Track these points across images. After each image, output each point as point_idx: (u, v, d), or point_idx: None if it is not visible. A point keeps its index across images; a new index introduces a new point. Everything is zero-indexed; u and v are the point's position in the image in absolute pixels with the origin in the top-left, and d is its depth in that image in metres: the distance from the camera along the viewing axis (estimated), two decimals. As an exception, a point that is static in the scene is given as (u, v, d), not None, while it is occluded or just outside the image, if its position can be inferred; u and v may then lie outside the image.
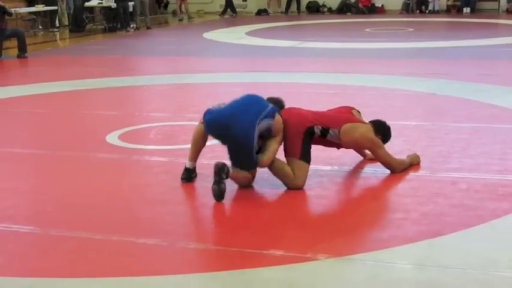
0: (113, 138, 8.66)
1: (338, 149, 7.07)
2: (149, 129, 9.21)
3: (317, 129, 6.72)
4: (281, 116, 6.73)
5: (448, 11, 31.01)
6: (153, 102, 11.65)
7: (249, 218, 5.86)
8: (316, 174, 6.94)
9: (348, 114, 7.04)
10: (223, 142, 6.67)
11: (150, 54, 18.69)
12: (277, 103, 7.05)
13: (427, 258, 5.02)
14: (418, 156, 7.20)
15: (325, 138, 6.77)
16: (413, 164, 7.07)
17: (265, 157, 6.52)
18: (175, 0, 31.63)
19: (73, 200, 6.48)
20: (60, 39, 23.49)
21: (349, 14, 31.27)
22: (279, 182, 6.62)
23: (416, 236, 5.28)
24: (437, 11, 30.88)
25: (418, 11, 31.01)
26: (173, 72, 14.68)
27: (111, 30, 24.52)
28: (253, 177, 6.65)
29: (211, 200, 6.33)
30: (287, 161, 6.66)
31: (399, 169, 6.91)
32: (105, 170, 7.48)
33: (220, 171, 6.21)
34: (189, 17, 30.25)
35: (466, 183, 6.39)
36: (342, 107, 7.33)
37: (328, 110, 7.28)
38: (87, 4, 25.53)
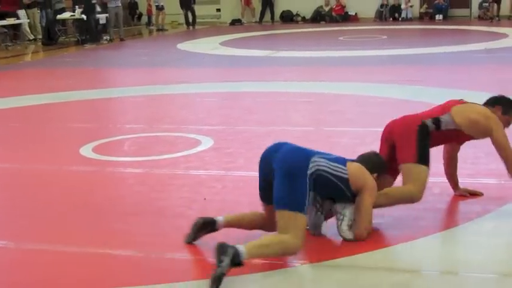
0: (86, 150, 8.66)
1: (458, 143, 6.21)
2: (123, 141, 9.22)
3: (429, 123, 5.77)
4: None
5: (421, 18, 31.19)
6: (127, 114, 11.67)
7: (229, 231, 5.85)
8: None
9: (456, 101, 6.09)
10: (268, 176, 5.39)
11: (124, 65, 18.68)
12: (375, 166, 5.65)
13: (400, 262, 5.08)
14: None
15: (440, 129, 5.79)
16: None
17: (360, 227, 5.33)
18: (154, 12, 31.58)
19: (47, 213, 6.47)
20: (32, 53, 23.41)
21: (322, 22, 31.38)
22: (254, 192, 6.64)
23: (391, 240, 5.33)
24: (410, 18, 31.06)
25: (391, 19, 31.18)
26: (147, 83, 14.68)
27: (84, 42, 24.47)
28: (297, 234, 5.02)
29: (186, 210, 6.36)
30: (401, 169, 5.75)
31: None
32: (79, 182, 7.48)
33: (220, 254, 4.78)
34: (163, 29, 30.21)
35: (439, 187, 6.44)
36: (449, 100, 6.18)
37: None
38: (59, 17, 25.47)
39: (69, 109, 12.05)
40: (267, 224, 5.42)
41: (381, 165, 5.66)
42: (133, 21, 33.81)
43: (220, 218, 5.50)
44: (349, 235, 5.31)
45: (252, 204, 6.39)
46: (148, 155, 8.36)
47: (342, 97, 11.97)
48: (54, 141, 9.51)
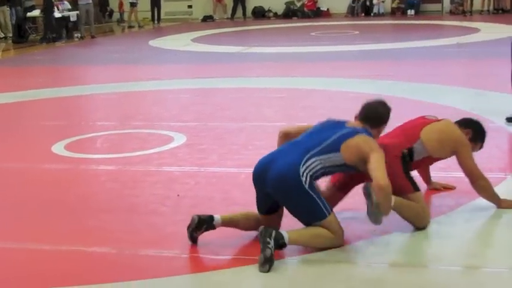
0: (58, 148, 8.63)
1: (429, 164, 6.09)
2: (95, 139, 9.20)
3: (406, 155, 5.60)
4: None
5: (393, 13, 31.30)
6: (99, 111, 11.63)
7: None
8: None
9: (424, 122, 5.90)
10: (264, 195, 5.44)
11: (95, 63, 18.61)
12: (371, 119, 5.61)
13: (375, 256, 5.11)
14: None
15: (413, 160, 5.65)
16: (502, 206, 5.86)
17: (380, 175, 5.15)
18: (127, 9, 31.40)
19: (20, 211, 6.46)
20: (3, 51, 23.25)
21: (294, 18, 31.40)
22: (227, 188, 6.67)
23: (365, 235, 5.36)
24: (382, 13, 31.16)
25: (363, 14, 31.25)
26: (119, 80, 14.62)
27: (54, 40, 24.32)
28: (335, 233, 5.19)
29: (159, 207, 6.36)
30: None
31: (481, 187, 5.79)
32: (52, 180, 7.45)
33: (264, 236, 4.99)
34: (139, 25, 30.05)
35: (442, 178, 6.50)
36: (415, 119, 6.02)
37: (400, 126, 6.08)
38: (29, 14, 25.32)
39: (40, 107, 11.99)
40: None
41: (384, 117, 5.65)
42: (105, 19, 33.64)
43: (217, 217, 5.45)
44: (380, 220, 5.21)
45: (225, 200, 6.45)
46: (121, 152, 8.35)
47: (314, 92, 12.01)
48: (26, 140, 9.46)
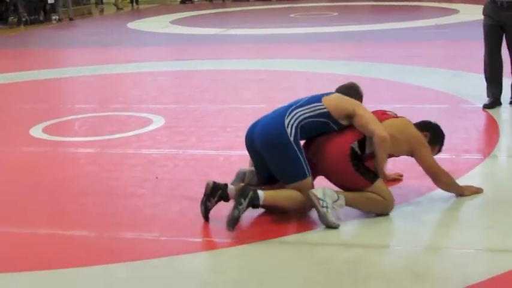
0: (37, 131, 8.59)
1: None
2: (74, 121, 9.16)
3: (356, 148, 5.40)
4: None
5: (372, -6, 31.28)
6: (78, 94, 11.58)
7: (182, 209, 5.85)
8: (242, 159, 7.02)
9: (384, 114, 5.79)
10: (258, 157, 5.53)
11: (73, 45, 18.49)
12: (350, 92, 5.76)
13: (353, 237, 5.15)
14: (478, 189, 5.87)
15: (364, 153, 5.43)
16: (464, 194, 5.76)
17: (377, 128, 5.32)
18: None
19: (-2, 194, 6.44)
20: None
21: (273, 0, 31.33)
22: (206, 170, 6.66)
23: (344, 217, 5.36)
24: (361, -6, 31.12)
25: (342, -5, 31.20)
26: (98, 63, 14.55)
27: (32, 22, 24.16)
28: (306, 197, 5.28)
29: (138, 190, 6.36)
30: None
31: (444, 182, 5.70)
32: (30, 163, 7.42)
33: (240, 196, 5.21)
34: (119, 7, 29.86)
35: (390, 163, 6.49)
36: (375, 112, 5.78)
37: None
38: (7, -4, 25.14)
39: (18, 90, 11.90)
40: None
41: (359, 93, 5.89)
42: (83, 1, 33.42)
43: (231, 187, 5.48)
44: (335, 220, 5.22)
45: (204, 182, 6.40)
46: (100, 135, 8.32)
47: (293, 74, 12.00)
48: (3, 123, 9.39)
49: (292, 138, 5.29)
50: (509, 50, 8.53)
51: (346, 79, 11.03)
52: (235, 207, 5.16)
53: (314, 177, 5.48)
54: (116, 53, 16.19)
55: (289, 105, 5.48)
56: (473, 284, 4.30)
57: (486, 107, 8.61)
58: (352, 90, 5.85)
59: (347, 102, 5.47)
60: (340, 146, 5.38)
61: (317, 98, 5.49)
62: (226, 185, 5.44)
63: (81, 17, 26.93)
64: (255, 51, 15.40)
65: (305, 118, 5.37)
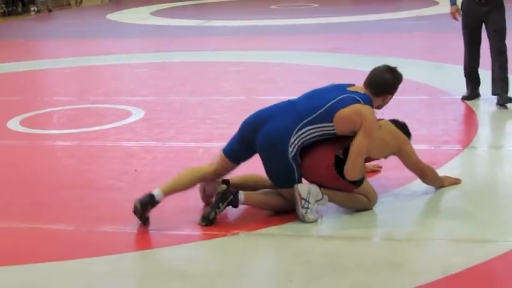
0: (14, 124, 8.54)
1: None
2: (52, 114, 9.11)
3: (341, 155, 5.34)
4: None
5: (353, -15, 31.29)
6: (56, 86, 11.53)
7: (162, 202, 5.81)
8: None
9: None
10: (246, 145, 5.49)
11: (52, 37, 18.40)
12: (374, 85, 5.51)
13: (332, 229, 5.15)
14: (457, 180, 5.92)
15: None
16: (443, 185, 5.80)
17: (346, 168, 5.24)
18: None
19: (-25, 188, 6.40)
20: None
21: (254, -9, 31.30)
22: (185, 162, 6.64)
23: (323, 210, 5.36)
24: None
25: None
26: (77, 54, 14.49)
27: (10, 14, 24.02)
28: (288, 200, 5.33)
29: (117, 182, 6.33)
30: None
31: (430, 178, 5.74)
32: (7, 156, 7.38)
33: (219, 199, 5.25)
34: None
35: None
36: None
37: None
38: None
39: (-5, 82, 11.85)
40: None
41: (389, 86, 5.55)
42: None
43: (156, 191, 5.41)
44: (313, 219, 5.23)
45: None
46: (78, 127, 8.27)
47: (273, 66, 11.99)
48: (-20, 115, 9.35)
49: (291, 156, 5.26)
50: (490, 44, 8.47)
51: (327, 70, 11.11)
52: (213, 209, 5.20)
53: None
54: (95, 45, 16.13)
55: (300, 117, 5.29)
56: (452, 274, 4.32)
57: (465, 98, 8.66)
58: (381, 82, 5.50)
59: (356, 125, 5.23)
60: (326, 155, 5.34)
61: (329, 117, 5.25)
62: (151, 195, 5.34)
63: (60, 8, 26.79)
64: (235, 43, 15.37)
65: (311, 138, 5.30)
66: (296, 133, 5.25)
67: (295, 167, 5.29)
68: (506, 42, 8.44)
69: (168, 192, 5.40)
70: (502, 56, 8.36)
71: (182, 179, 5.50)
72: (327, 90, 5.53)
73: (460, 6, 8.70)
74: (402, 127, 5.76)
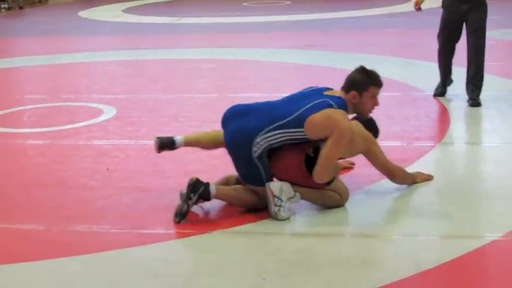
0: (-16, 123, 8.49)
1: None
2: (23, 112, 9.05)
3: (310, 153, 5.38)
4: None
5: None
6: (27, 84, 11.43)
7: (133, 201, 5.83)
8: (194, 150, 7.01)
9: None
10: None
11: (23, 34, 18.24)
12: (345, 84, 5.53)
13: (305, 227, 5.16)
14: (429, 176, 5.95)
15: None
16: (416, 181, 5.84)
17: (315, 171, 5.27)
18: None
19: None
20: None
21: (227, -12, 31.24)
22: (157, 160, 6.63)
23: (296, 208, 5.35)
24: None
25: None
26: (48, 52, 14.39)
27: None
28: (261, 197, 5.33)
29: (89, 181, 6.30)
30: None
31: (400, 177, 5.75)
32: (-22, 155, 7.33)
33: (190, 191, 5.27)
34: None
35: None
36: None
37: None
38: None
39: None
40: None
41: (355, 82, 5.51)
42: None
43: (178, 138, 5.68)
44: (286, 216, 5.24)
45: (156, 173, 6.43)
46: (50, 126, 8.23)
47: (246, 63, 11.99)
48: (-50, 114, 9.28)
49: (255, 156, 5.27)
50: (468, 43, 8.36)
51: (299, 67, 11.12)
52: (185, 201, 5.22)
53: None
54: (67, 42, 16.04)
55: (272, 120, 5.28)
56: (425, 270, 4.33)
57: (436, 95, 8.69)
58: (349, 80, 5.53)
59: (327, 130, 5.21)
60: (296, 155, 5.37)
61: (301, 122, 5.25)
62: (173, 140, 5.65)
63: (31, 6, 26.61)
64: (208, 40, 15.35)
65: (280, 142, 5.30)
66: (263, 134, 5.25)
67: (260, 167, 5.30)
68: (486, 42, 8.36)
69: (189, 142, 5.74)
70: (479, 58, 8.30)
71: (207, 136, 5.77)
72: (304, 94, 5.54)
73: (441, 3, 8.58)
74: (369, 122, 5.77)
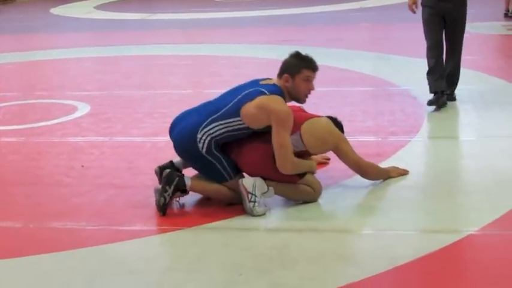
0: (-42, 121, 8.42)
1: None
2: (-4, 110, 9.00)
3: None
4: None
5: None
6: (0, 82, 11.35)
7: (109, 197, 5.81)
8: (169, 146, 7.00)
9: (301, 111, 5.77)
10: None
11: (-5, 32, 18.14)
12: (280, 70, 5.53)
13: (280, 222, 5.16)
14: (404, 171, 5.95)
15: None
16: (391, 176, 5.86)
17: (277, 164, 5.25)
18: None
19: None
20: None
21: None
22: (132, 157, 6.61)
23: (271, 203, 5.35)
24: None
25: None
26: (20, 49, 14.32)
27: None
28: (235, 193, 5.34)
29: (64, 178, 6.28)
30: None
31: (372, 174, 5.75)
32: (-49, 154, 7.27)
33: (165, 183, 5.29)
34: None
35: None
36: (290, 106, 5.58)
37: None
38: None
39: None
40: None
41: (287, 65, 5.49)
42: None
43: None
44: (261, 212, 5.23)
45: (131, 169, 6.41)
46: (23, 123, 8.19)
47: (218, 59, 11.98)
48: None
49: (204, 151, 5.28)
50: (446, 41, 8.12)
51: (272, 63, 11.07)
52: (161, 194, 5.23)
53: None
54: (39, 39, 15.94)
55: (208, 113, 5.34)
56: (400, 265, 4.34)
57: (431, 103, 7.95)
58: (283, 65, 5.53)
59: (265, 114, 5.23)
60: (263, 148, 5.36)
61: (236, 111, 5.28)
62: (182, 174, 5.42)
63: (2, 3, 26.40)
64: (180, 37, 15.33)
65: (220, 134, 5.30)
66: (202, 129, 5.28)
67: (215, 162, 5.31)
68: (464, 42, 8.20)
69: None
70: (456, 56, 8.14)
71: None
72: (241, 86, 5.55)
73: (421, 1, 8.16)
74: (333, 121, 5.74)
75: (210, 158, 5.29)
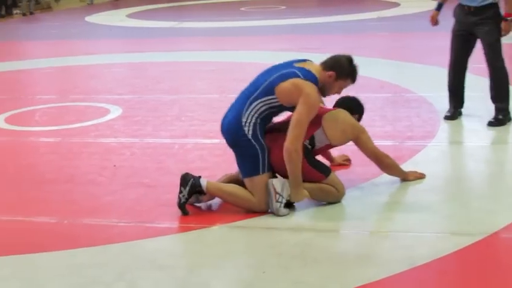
0: (-1, 121, 8.43)
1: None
2: (35, 111, 8.99)
3: (307, 144, 5.34)
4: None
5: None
6: (38, 85, 11.38)
7: (139, 196, 5.77)
8: (196, 147, 6.96)
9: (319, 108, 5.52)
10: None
11: (34, 39, 18.18)
12: (327, 61, 5.46)
13: (303, 222, 5.09)
14: (421, 175, 5.87)
15: (315, 147, 5.43)
16: (408, 179, 5.79)
17: (288, 137, 5.12)
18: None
19: (-40, 183, 6.28)
20: None
21: (225, -6, 31.17)
22: (161, 158, 6.57)
23: (294, 204, 5.31)
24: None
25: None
26: (57, 55, 14.34)
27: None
28: (256, 197, 5.22)
29: (97, 177, 6.25)
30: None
31: (388, 165, 5.70)
32: (-8, 152, 7.27)
33: (181, 184, 5.24)
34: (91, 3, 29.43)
35: (336, 150, 6.45)
36: None
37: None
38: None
39: (-21, 81, 11.67)
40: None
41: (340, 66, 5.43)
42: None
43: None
44: (285, 213, 5.17)
45: (160, 169, 6.38)
46: (60, 125, 8.18)
47: (244, 65, 11.91)
48: (-35, 113, 9.21)
49: (250, 136, 5.20)
50: (485, 56, 7.40)
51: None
52: (178, 195, 5.21)
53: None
54: (74, 46, 15.96)
55: (247, 95, 5.29)
56: (419, 265, 4.28)
57: (447, 118, 7.64)
58: (334, 60, 5.47)
59: (294, 97, 5.15)
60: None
61: (271, 90, 5.20)
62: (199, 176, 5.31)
63: (40, 11, 26.51)
64: (208, 44, 15.30)
65: (262, 111, 5.22)
66: (245, 112, 5.22)
67: (259, 150, 5.20)
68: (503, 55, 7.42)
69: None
70: (497, 73, 7.37)
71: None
72: (276, 66, 5.47)
73: (453, 13, 7.51)
74: (353, 101, 5.90)
75: (255, 145, 5.19)
